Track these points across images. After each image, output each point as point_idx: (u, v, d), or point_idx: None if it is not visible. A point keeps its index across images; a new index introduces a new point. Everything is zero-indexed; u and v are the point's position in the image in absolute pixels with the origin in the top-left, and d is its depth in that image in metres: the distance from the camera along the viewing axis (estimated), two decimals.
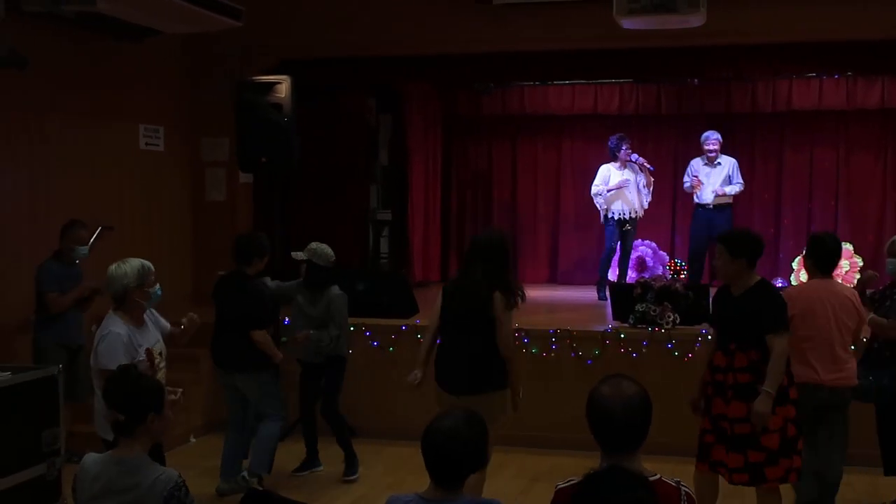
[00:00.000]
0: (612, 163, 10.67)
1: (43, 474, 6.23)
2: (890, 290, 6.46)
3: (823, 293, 6.10)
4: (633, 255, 11.26)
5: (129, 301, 5.41)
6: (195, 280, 9.98)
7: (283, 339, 7.32)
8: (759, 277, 5.70)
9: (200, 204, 10.22)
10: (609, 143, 10.75)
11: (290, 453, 7.81)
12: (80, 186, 8.61)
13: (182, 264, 9.89)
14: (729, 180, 10.60)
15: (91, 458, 3.96)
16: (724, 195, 10.55)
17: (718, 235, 6.16)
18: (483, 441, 3.58)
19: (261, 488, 6.57)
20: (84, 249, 7.37)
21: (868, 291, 6.65)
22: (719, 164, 10.61)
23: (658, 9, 6.87)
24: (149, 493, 3.83)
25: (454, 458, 3.52)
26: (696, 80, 11.81)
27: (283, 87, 8.20)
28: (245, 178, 9.97)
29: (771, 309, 5.55)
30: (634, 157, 10.62)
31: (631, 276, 10.95)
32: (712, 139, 10.66)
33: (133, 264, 5.48)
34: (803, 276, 11.28)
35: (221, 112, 9.54)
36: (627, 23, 7.22)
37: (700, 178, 10.57)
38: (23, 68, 7.05)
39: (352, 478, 7.40)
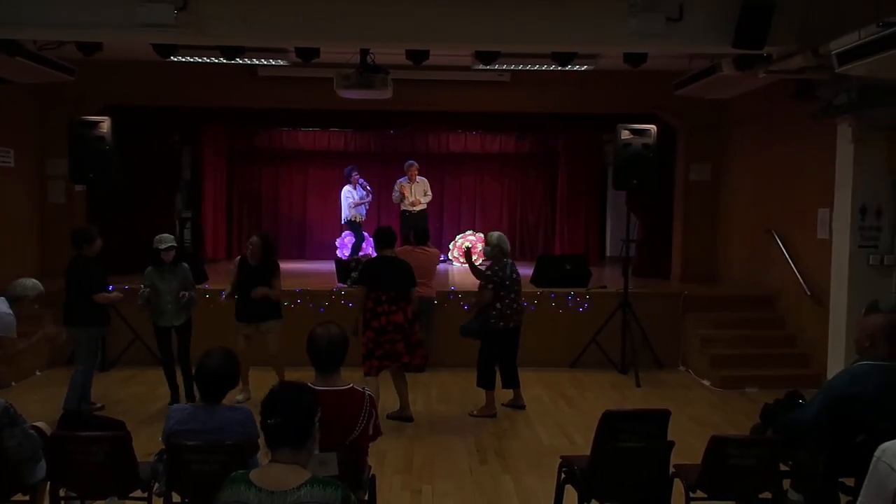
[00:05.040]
0: (348, 185, 10.47)
1: None
2: (491, 268, 6.31)
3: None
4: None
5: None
6: (41, 260, 8.90)
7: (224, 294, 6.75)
8: (387, 253, 6.09)
9: (45, 205, 9.09)
10: (345, 171, 10.57)
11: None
12: None
13: (29, 249, 8.76)
14: (424, 193, 10.44)
15: None
16: (421, 203, 10.35)
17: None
18: (237, 368, 3.43)
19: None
20: None
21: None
22: (417, 182, 10.39)
23: (361, 86, 6.84)
24: None
25: (220, 380, 3.35)
26: (391, 131, 11.93)
27: (105, 125, 7.37)
28: (80, 186, 8.92)
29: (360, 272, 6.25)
30: (362, 181, 10.47)
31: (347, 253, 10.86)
32: (413, 165, 10.40)
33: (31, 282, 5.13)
34: (456, 253, 11.75)
35: (62, 141, 8.45)
36: (343, 93, 7.13)
37: (405, 191, 10.35)
38: None
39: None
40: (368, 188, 10.61)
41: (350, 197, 10.47)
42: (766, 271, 8.44)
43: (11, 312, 5.00)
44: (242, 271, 6.49)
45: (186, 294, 6.34)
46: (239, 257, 6.75)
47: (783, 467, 3.80)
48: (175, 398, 6.42)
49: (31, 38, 6.49)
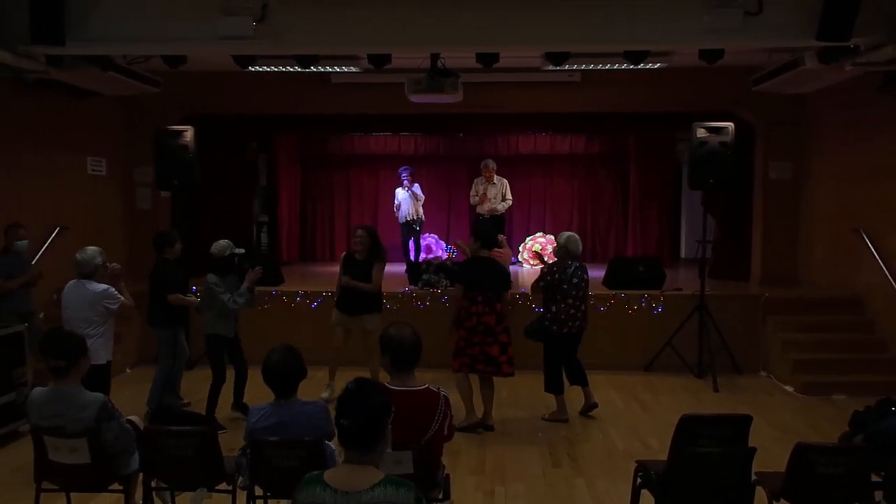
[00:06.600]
0: (401, 187, 10.59)
1: (14, 399, 5.72)
2: (549, 267, 6.21)
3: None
4: (423, 244, 11.29)
5: (98, 273, 5.22)
6: (129, 262, 9.28)
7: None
8: (484, 254, 6.03)
9: (132, 212, 9.56)
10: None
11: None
12: (44, 198, 7.88)
13: (119, 251, 9.21)
14: (503, 197, 10.18)
15: (38, 390, 3.64)
16: (497, 210, 10.06)
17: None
18: (302, 362, 3.53)
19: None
20: (23, 243, 6.46)
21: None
22: (494, 183, 10.16)
23: (432, 90, 6.91)
24: (84, 411, 3.58)
25: (290, 376, 3.47)
26: (460, 134, 11.96)
27: (188, 134, 7.69)
28: (165, 193, 9.38)
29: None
30: (406, 182, 10.36)
31: (423, 256, 10.98)
32: (486, 165, 10.11)
33: (94, 249, 5.28)
34: (526, 255, 11.68)
35: (147, 149, 8.88)
36: (414, 98, 7.21)
37: (481, 193, 10.10)
38: None
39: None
40: (418, 193, 10.39)
41: (395, 198, 10.51)
42: (852, 273, 8.05)
43: (104, 285, 5.16)
44: (348, 265, 6.53)
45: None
46: (345, 253, 6.80)
47: (875, 478, 3.63)
48: (238, 402, 6.23)
49: (123, 53, 6.86)
